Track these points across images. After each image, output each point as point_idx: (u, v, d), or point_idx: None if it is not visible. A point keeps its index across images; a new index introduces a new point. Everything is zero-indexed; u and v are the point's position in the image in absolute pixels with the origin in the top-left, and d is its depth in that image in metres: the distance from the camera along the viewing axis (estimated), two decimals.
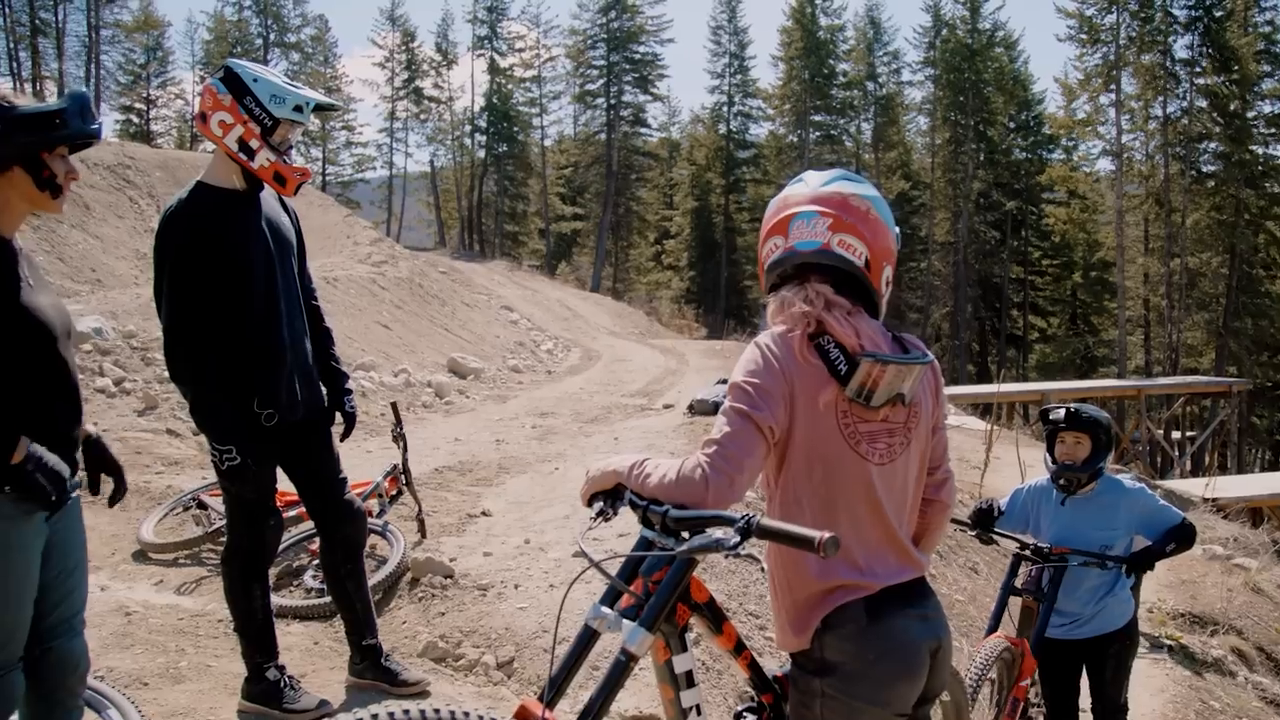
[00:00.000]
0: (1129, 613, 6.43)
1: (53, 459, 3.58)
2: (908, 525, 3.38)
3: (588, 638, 3.04)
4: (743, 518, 2.79)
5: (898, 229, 3.41)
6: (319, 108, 5.21)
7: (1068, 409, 6.43)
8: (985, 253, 70.27)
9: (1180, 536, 6.21)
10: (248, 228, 5.05)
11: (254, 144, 4.96)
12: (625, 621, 2.97)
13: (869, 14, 74.92)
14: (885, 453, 3.23)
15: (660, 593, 3.00)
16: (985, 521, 6.60)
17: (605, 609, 3.03)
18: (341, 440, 5.66)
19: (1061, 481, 6.38)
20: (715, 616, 3.32)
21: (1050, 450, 6.51)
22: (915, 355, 3.24)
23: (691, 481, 2.98)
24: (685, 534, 2.98)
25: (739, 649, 3.41)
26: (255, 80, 4.96)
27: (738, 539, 2.77)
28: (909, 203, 71.52)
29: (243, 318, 5.02)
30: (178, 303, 4.89)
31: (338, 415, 5.61)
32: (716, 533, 2.87)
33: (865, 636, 3.14)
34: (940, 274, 70.81)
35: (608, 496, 3.27)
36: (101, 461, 4.12)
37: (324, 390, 5.52)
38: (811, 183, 3.38)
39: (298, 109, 5.01)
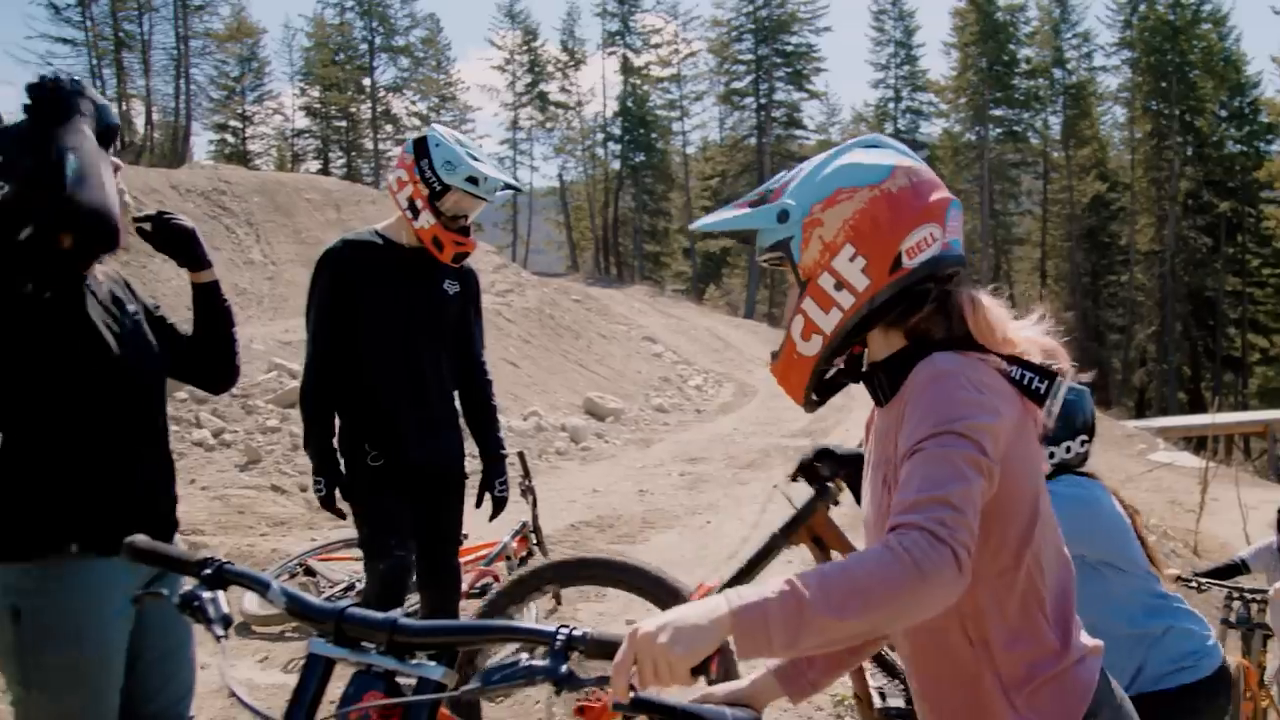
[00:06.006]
0: None
1: None
2: None
3: None
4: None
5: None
6: (500, 187, 5.63)
7: None
8: (1196, 263, 68.87)
9: None
10: (389, 282, 5.55)
11: (419, 204, 5.49)
12: None
13: None
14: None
15: None
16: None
17: None
18: (490, 521, 6.17)
19: None
20: None
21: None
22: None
23: (941, 573, 2.17)
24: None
25: None
26: (437, 145, 5.46)
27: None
28: (1106, 207, 70.55)
29: (366, 368, 5.56)
30: (312, 339, 5.57)
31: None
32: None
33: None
34: (1145, 288, 69.57)
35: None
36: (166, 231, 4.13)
37: (463, 453, 5.90)
38: (902, 154, 2.66)
39: (471, 180, 5.42)
